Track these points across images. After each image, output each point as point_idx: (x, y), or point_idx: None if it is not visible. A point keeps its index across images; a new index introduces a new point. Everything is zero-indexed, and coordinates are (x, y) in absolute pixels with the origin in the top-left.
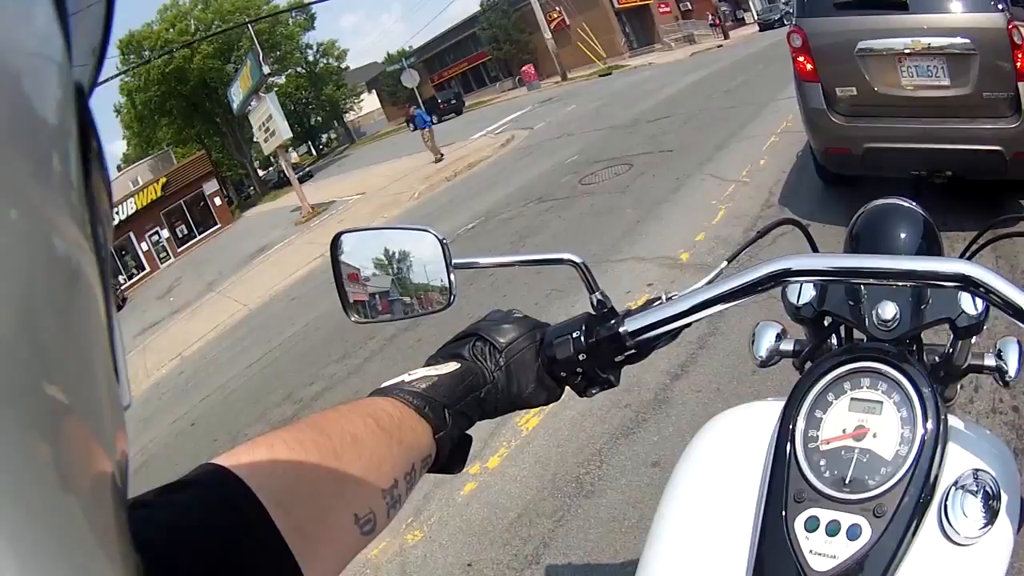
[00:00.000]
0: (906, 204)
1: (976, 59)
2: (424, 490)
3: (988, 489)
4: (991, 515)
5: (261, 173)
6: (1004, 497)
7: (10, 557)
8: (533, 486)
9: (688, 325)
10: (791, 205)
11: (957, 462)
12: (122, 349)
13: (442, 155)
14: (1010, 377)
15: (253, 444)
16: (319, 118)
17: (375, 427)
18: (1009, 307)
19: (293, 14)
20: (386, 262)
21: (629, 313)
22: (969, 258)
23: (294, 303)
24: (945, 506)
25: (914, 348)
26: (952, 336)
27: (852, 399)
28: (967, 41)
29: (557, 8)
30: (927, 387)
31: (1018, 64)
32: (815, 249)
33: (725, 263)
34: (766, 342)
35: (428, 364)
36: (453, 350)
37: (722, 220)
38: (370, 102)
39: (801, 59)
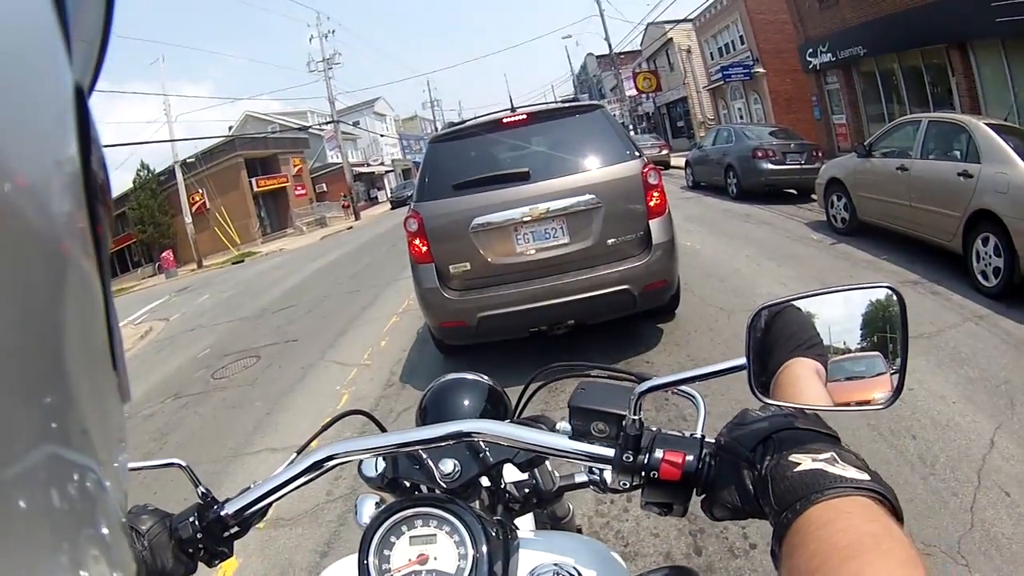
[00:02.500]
0: (471, 376)
1: (600, 212)
2: None
3: (563, 574)
4: None
5: None
6: None
7: (11, 555)
8: None
9: (273, 502)
10: (412, 381)
11: (536, 561)
12: (121, 345)
13: None
14: (606, 484)
15: None
16: None
17: None
18: (513, 444)
19: None
20: None
21: (229, 500)
22: (520, 412)
23: None
24: None
25: (495, 489)
26: (520, 470)
27: (411, 537)
28: (592, 196)
29: (200, 190)
30: (470, 517)
31: (651, 203)
32: (382, 429)
33: (295, 454)
34: (367, 510)
35: None
36: None
37: (345, 404)
38: None
39: (417, 242)
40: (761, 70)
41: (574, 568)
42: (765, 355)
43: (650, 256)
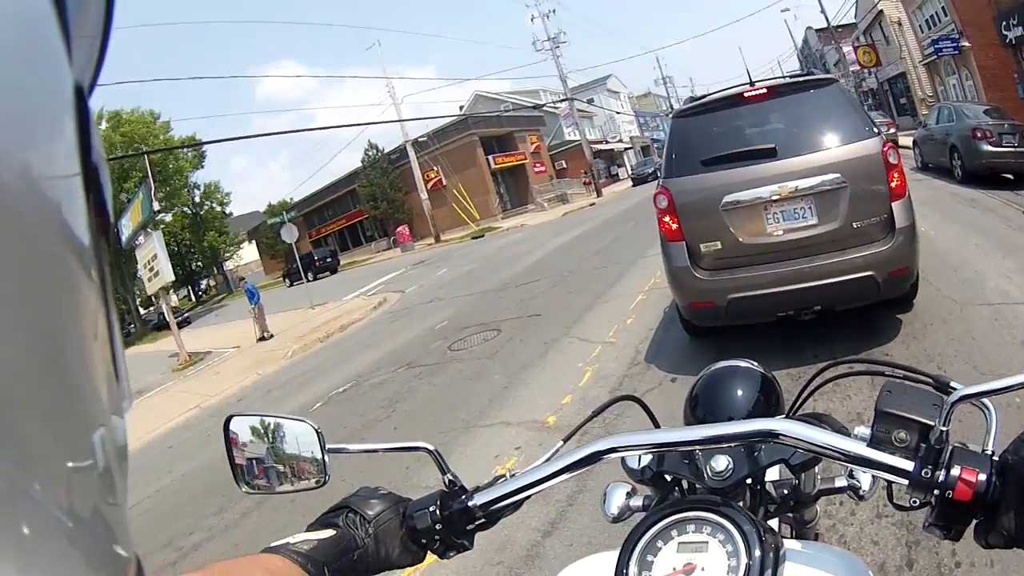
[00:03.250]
0: (744, 364)
1: (846, 192)
2: None
3: None
4: None
5: (143, 311)
6: None
7: (10, 555)
8: None
9: (528, 497)
10: (657, 362)
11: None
12: (122, 351)
13: (270, 334)
14: (864, 492)
15: None
16: (200, 263)
17: None
18: (812, 449)
19: (185, 151)
20: (264, 436)
21: (478, 489)
22: (799, 405)
23: (170, 452)
24: None
25: (757, 489)
26: (791, 472)
27: (680, 543)
28: (838, 175)
29: (435, 168)
30: (748, 524)
31: (892, 184)
32: (653, 420)
33: (561, 443)
34: (616, 500)
35: (309, 529)
36: (329, 519)
37: (588, 382)
38: (249, 252)
39: (667, 219)
40: (967, 43)
41: None
42: None
43: (893, 241)
